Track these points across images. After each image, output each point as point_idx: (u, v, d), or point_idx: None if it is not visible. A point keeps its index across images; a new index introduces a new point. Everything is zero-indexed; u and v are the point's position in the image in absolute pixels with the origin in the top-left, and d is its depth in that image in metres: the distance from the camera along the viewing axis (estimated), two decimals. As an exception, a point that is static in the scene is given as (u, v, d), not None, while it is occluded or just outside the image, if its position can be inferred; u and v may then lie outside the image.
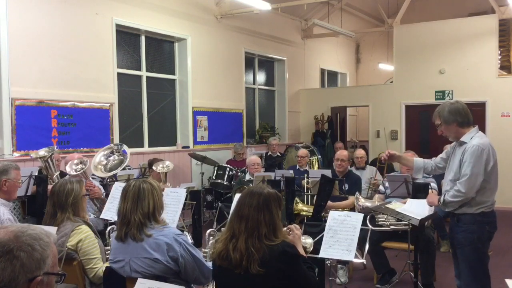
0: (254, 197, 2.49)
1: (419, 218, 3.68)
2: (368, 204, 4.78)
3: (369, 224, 4.38)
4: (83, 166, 4.65)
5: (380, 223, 4.67)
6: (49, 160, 4.79)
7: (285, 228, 2.70)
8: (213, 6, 9.05)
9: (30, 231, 1.44)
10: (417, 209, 3.80)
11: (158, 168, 5.64)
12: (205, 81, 8.88)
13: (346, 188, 5.56)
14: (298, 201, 5.60)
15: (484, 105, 9.60)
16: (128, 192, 2.82)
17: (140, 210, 2.75)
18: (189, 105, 8.56)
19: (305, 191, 5.76)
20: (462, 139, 3.44)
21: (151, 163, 6.41)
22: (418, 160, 3.83)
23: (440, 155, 3.74)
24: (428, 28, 10.27)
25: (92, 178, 4.90)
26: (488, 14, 10.26)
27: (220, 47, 9.23)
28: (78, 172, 4.64)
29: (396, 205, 4.03)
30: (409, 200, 4.05)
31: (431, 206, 3.70)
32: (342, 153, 5.94)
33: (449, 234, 3.71)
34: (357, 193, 5.04)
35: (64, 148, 6.39)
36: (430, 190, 4.64)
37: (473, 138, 3.40)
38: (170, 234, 2.77)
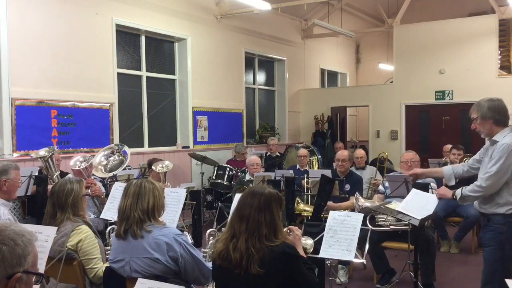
0: (255, 197, 2.49)
1: (419, 218, 3.67)
2: (368, 204, 4.77)
3: (369, 224, 4.37)
4: (86, 164, 4.70)
5: (380, 223, 4.67)
6: (49, 160, 4.81)
7: (285, 229, 2.71)
8: (213, 6, 9.05)
9: (14, 227, 1.44)
10: (418, 204, 3.76)
11: (158, 168, 5.65)
12: (205, 81, 8.88)
13: (348, 189, 5.55)
14: (299, 201, 5.59)
15: (484, 105, 9.58)
16: (130, 188, 2.85)
17: (140, 206, 2.77)
18: (189, 105, 8.57)
19: (305, 191, 5.76)
20: (495, 137, 3.40)
21: (150, 163, 6.42)
22: (446, 169, 3.82)
23: (474, 157, 3.71)
24: (428, 28, 10.28)
25: (93, 178, 4.91)
26: (488, 14, 10.26)
27: (220, 47, 9.23)
28: (80, 168, 4.69)
29: (396, 205, 4.02)
30: (413, 190, 3.99)
31: (440, 199, 3.65)
32: (342, 154, 5.92)
33: (480, 234, 3.69)
34: (356, 193, 5.04)
35: (64, 148, 6.39)
36: (430, 190, 4.64)
37: (505, 137, 3.35)
38: (170, 234, 2.77)
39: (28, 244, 1.42)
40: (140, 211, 2.76)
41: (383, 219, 4.66)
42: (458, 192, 3.46)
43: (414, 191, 3.95)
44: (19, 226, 1.47)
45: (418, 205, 3.76)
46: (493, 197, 3.37)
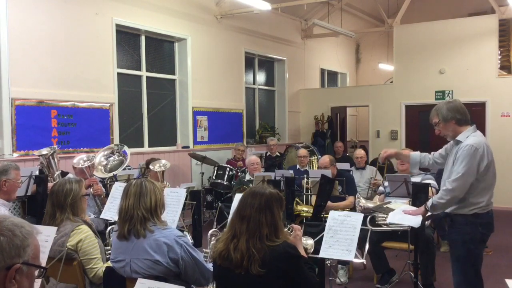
0: (256, 197, 2.48)
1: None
2: (369, 204, 4.77)
3: (368, 225, 4.37)
4: (89, 163, 4.73)
5: (379, 222, 4.67)
6: (50, 158, 4.83)
7: (286, 228, 2.70)
8: (213, 6, 9.05)
9: (13, 219, 1.43)
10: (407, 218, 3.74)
11: (155, 167, 5.65)
12: (205, 81, 8.88)
13: (339, 190, 5.53)
14: (298, 201, 5.60)
15: (484, 105, 9.60)
16: (130, 189, 2.84)
17: (143, 205, 2.77)
18: (189, 105, 8.57)
19: (305, 191, 5.76)
20: (458, 138, 3.40)
21: (148, 163, 6.43)
22: (414, 154, 3.79)
23: (439, 151, 3.70)
24: (428, 28, 10.28)
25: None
26: (488, 14, 10.26)
27: (220, 47, 9.23)
28: (83, 167, 4.71)
29: (396, 205, 4.03)
30: (391, 214, 3.88)
31: (419, 216, 3.59)
32: (324, 161, 5.93)
33: (441, 233, 3.70)
34: (357, 194, 5.04)
35: (64, 148, 6.39)
36: (429, 189, 4.63)
37: (468, 137, 3.36)
38: (171, 235, 2.77)
39: (28, 236, 1.41)
40: (144, 210, 2.76)
41: (383, 219, 4.65)
42: (429, 202, 3.45)
43: (392, 214, 3.87)
44: (19, 218, 1.46)
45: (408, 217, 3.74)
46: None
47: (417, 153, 3.81)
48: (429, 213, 3.56)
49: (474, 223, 3.33)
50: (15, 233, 1.38)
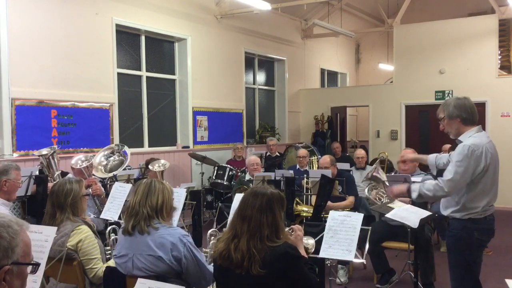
0: (257, 198, 2.49)
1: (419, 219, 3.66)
2: (380, 175, 4.62)
3: (366, 193, 4.29)
4: (88, 163, 4.74)
5: (379, 195, 4.63)
6: (50, 158, 4.83)
7: (287, 229, 2.70)
8: (213, 6, 9.05)
9: None
10: (409, 213, 3.75)
11: (155, 167, 5.66)
12: (205, 81, 8.88)
13: (340, 190, 5.53)
14: (298, 201, 5.60)
15: (484, 105, 9.60)
16: (139, 187, 2.89)
17: (149, 203, 2.81)
18: (189, 105, 8.57)
19: (305, 191, 5.75)
20: (460, 138, 3.29)
21: (147, 162, 6.43)
22: (431, 157, 3.75)
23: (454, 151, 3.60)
24: (428, 28, 10.28)
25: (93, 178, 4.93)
26: (488, 14, 10.27)
27: (220, 47, 9.23)
28: (81, 167, 4.72)
29: (398, 204, 4.03)
30: (398, 208, 3.94)
31: (399, 195, 3.57)
32: (324, 160, 5.96)
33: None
34: (376, 163, 5.01)
35: (64, 148, 6.39)
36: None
37: (470, 137, 3.23)
38: (176, 233, 2.79)
39: (15, 236, 1.38)
40: (149, 208, 2.80)
41: (382, 193, 4.61)
42: (416, 188, 3.32)
43: (399, 209, 3.90)
44: (6, 217, 1.41)
45: (409, 214, 3.75)
46: (451, 201, 3.29)
47: (433, 155, 3.77)
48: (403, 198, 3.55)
49: (470, 228, 3.22)
50: (1, 235, 1.35)
